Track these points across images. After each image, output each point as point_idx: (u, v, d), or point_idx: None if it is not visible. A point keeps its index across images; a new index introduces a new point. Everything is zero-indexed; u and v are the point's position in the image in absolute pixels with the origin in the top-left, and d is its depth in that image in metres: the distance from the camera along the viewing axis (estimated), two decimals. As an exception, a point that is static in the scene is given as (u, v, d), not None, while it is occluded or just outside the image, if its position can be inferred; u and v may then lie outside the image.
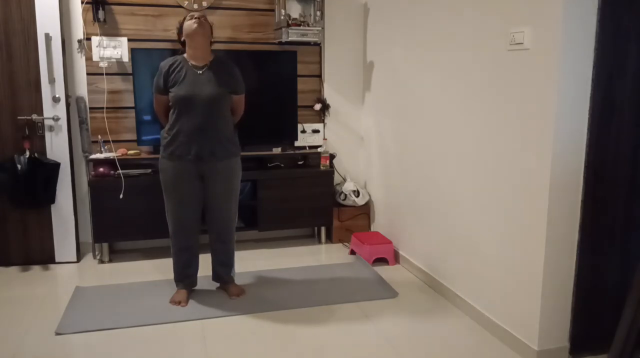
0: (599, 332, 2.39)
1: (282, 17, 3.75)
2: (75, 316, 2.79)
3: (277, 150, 3.97)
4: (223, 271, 3.08)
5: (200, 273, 3.09)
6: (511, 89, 2.43)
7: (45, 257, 3.59)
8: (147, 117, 3.64)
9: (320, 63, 4.12)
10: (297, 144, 4.07)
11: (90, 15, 3.61)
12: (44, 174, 3.43)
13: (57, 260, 3.60)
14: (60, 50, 3.44)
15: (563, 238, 2.31)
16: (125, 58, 3.70)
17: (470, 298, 2.83)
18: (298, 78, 3.97)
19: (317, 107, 4.09)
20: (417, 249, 3.41)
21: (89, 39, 3.64)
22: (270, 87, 3.88)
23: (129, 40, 3.69)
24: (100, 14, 3.57)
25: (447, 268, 3.06)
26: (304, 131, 4.10)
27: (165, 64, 2.83)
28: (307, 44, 3.93)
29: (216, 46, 3.65)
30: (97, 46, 3.64)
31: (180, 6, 3.71)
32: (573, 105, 2.20)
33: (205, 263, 3.18)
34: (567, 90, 2.18)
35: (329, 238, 4.12)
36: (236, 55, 3.73)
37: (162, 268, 3.49)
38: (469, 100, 2.76)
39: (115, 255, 3.77)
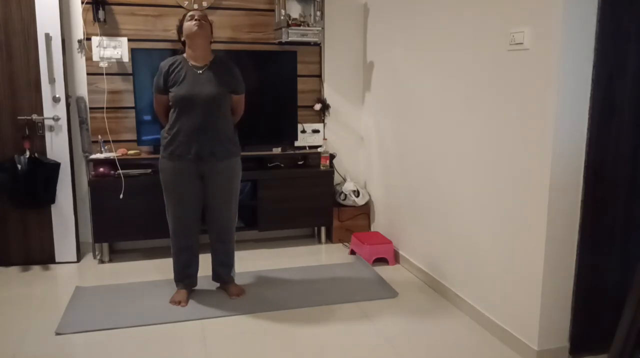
0: (599, 332, 2.39)
1: (282, 17, 3.75)
2: (75, 316, 2.79)
3: (277, 150, 3.97)
4: (223, 271, 3.08)
5: (200, 273, 3.09)
6: (511, 89, 2.43)
7: (45, 257, 3.59)
8: (147, 117, 3.64)
9: (320, 63, 4.12)
10: (297, 144, 4.07)
11: (90, 15, 3.61)
12: (44, 173, 3.43)
13: (57, 260, 3.60)
14: (61, 50, 3.44)
15: (563, 238, 2.31)
16: (125, 58, 3.70)
17: (470, 298, 2.83)
18: (298, 78, 3.97)
19: (317, 107, 4.09)
20: (417, 249, 3.41)
21: (89, 39, 3.64)
22: (270, 87, 3.88)
23: (129, 40, 3.69)
24: (100, 14, 3.58)
25: (447, 268, 3.06)
26: (304, 131, 4.10)
27: (165, 64, 2.83)
28: (307, 44, 3.93)
29: (216, 46, 3.65)
30: (97, 46, 3.64)
31: (180, 6, 3.71)
32: (573, 105, 2.20)
33: (205, 263, 3.18)
34: (567, 90, 2.18)
35: (329, 238, 4.12)
36: (236, 55, 3.73)
37: (162, 268, 3.49)
38: (469, 100, 2.76)
39: (115, 255, 3.77)
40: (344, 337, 2.61)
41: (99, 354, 2.44)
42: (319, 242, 4.11)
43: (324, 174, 3.97)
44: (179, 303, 2.93)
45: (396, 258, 3.67)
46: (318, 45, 4.04)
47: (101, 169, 3.55)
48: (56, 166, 3.47)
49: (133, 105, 3.70)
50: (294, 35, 3.73)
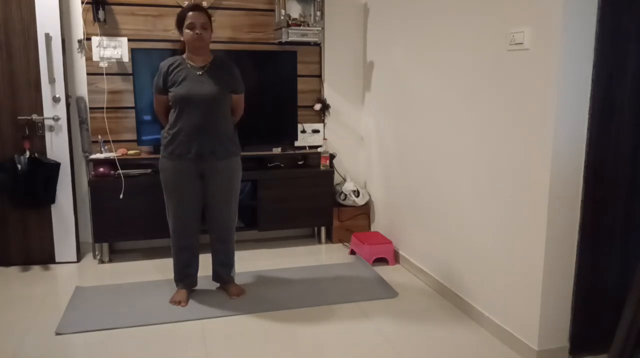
0: (599, 332, 2.39)
1: (282, 17, 3.75)
2: (75, 316, 2.79)
3: (277, 150, 3.97)
4: (223, 271, 3.08)
5: (200, 273, 3.09)
6: (511, 89, 2.43)
7: (45, 257, 3.59)
8: (147, 117, 3.64)
9: (320, 63, 4.12)
10: (297, 144, 4.07)
11: (90, 15, 3.61)
12: (44, 173, 3.43)
13: (57, 260, 3.60)
14: (60, 50, 3.44)
15: (563, 238, 2.31)
16: (125, 58, 3.70)
17: (470, 298, 2.83)
18: (298, 78, 3.97)
19: (317, 107, 4.09)
20: (417, 249, 3.41)
21: (89, 39, 3.64)
22: (270, 87, 3.88)
23: (129, 40, 3.69)
24: (100, 14, 3.58)
25: (447, 268, 3.06)
26: (304, 131, 4.10)
27: (164, 64, 2.83)
28: (307, 44, 3.93)
29: (216, 46, 3.65)
30: (97, 46, 3.64)
31: (180, 6, 3.71)
32: (573, 105, 2.20)
33: (205, 263, 3.18)
34: (567, 90, 2.18)
35: (329, 238, 4.12)
36: (236, 55, 3.73)
37: (162, 268, 3.49)
38: (469, 100, 2.76)
39: (115, 255, 3.77)
40: (344, 337, 2.61)
41: (99, 354, 2.44)
42: (319, 242, 4.11)
43: (324, 174, 3.97)
44: (179, 303, 2.93)
45: (396, 258, 3.67)
46: (318, 45, 4.04)
47: (101, 169, 3.55)
48: (56, 166, 3.47)
49: (133, 105, 3.70)
50: (294, 35, 3.73)
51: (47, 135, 3.48)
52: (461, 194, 2.88)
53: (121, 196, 3.50)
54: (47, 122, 3.47)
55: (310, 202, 3.93)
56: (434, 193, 3.16)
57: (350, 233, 3.96)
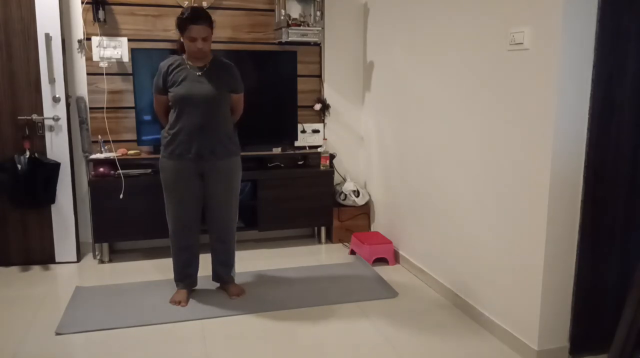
0: (599, 332, 2.39)
1: (282, 17, 3.75)
2: (75, 316, 2.79)
3: (277, 150, 3.97)
4: (223, 271, 3.08)
5: (200, 273, 3.09)
6: (511, 89, 2.43)
7: (45, 257, 3.59)
8: (147, 117, 3.64)
9: (320, 63, 4.12)
10: (297, 144, 4.07)
11: (90, 15, 3.61)
12: (44, 174, 3.43)
13: (57, 260, 3.60)
14: (60, 50, 3.44)
15: (563, 238, 2.31)
16: (125, 58, 3.70)
17: (470, 298, 2.83)
18: (298, 78, 3.97)
19: (317, 107, 4.09)
20: (417, 249, 3.41)
21: (89, 39, 3.64)
22: (270, 87, 3.88)
23: (129, 40, 3.69)
24: (100, 14, 3.58)
25: (446, 268, 3.06)
26: (304, 131, 4.10)
27: (164, 64, 2.83)
28: (307, 44, 3.93)
29: (216, 46, 3.65)
30: (97, 46, 3.64)
31: (180, 6, 3.71)
32: (573, 105, 2.20)
33: (205, 263, 3.18)
34: (567, 90, 2.18)
35: (329, 238, 4.12)
36: (236, 55, 3.73)
37: (162, 268, 3.49)
38: (469, 100, 2.76)
39: (115, 255, 3.77)
40: (344, 337, 2.61)
41: (99, 354, 2.44)
42: (319, 242, 4.11)
43: (324, 174, 3.97)
44: (179, 303, 2.93)
45: (396, 258, 3.67)
46: (318, 45, 4.04)
47: (101, 169, 3.55)
48: (56, 166, 3.47)
49: (133, 105, 3.70)
50: (294, 35, 3.73)
51: (47, 135, 3.48)
52: (461, 194, 2.88)
53: (121, 196, 3.50)
54: (47, 122, 3.47)
55: (310, 202, 3.93)
56: (434, 193, 3.16)
57: (350, 233, 3.96)
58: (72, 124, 3.65)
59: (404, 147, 3.52)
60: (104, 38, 3.65)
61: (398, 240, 3.67)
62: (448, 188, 3.00)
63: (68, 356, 2.44)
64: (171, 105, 2.82)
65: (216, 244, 3.02)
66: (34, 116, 3.44)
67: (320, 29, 3.81)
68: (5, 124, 3.43)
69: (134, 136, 3.74)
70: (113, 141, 3.74)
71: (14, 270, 3.50)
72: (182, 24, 2.74)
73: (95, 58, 3.66)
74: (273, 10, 3.92)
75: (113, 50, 3.67)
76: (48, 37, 3.38)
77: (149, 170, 3.63)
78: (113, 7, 3.65)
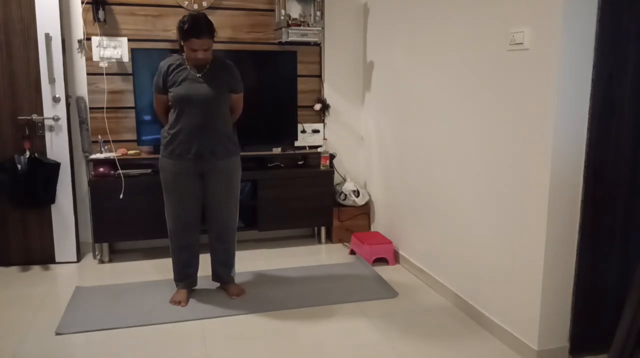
0: (599, 332, 2.39)
1: (282, 17, 3.75)
2: (75, 316, 2.79)
3: (277, 150, 3.97)
4: (223, 271, 3.08)
5: (200, 273, 3.09)
6: (511, 89, 2.43)
7: (45, 257, 3.59)
8: (147, 117, 3.64)
9: (320, 63, 4.12)
10: (297, 144, 4.07)
11: (90, 15, 3.61)
12: (44, 174, 3.43)
13: (57, 260, 3.60)
14: (61, 50, 3.44)
15: (563, 238, 2.31)
16: (126, 58, 3.70)
17: (470, 298, 2.83)
18: (298, 78, 3.97)
19: (317, 107, 4.09)
20: (417, 249, 3.41)
21: (89, 39, 3.64)
22: (270, 87, 3.88)
23: (129, 40, 3.69)
24: (100, 14, 3.57)
25: (446, 268, 3.06)
26: (304, 131, 4.10)
27: (164, 64, 2.83)
28: (307, 44, 3.93)
29: (216, 46, 3.63)
30: (97, 46, 3.64)
31: (180, 6, 3.71)
32: (573, 105, 2.20)
33: (205, 263, 3.18)
34: (567, 90, 2.18)
35: (329, 238, 4.12)
36: (236, 55, 3.73)
37: (162, 268, 3.49)
38: (469, 101, 2.76)
39: (115, 255, 3.77)
40: (344, 337, 2.61)
41: (99, 354, 2.44)
42: (319, 242, 4.11)
43: (324, 173, 3.97)
44: (179, 303, 2.93)
45: (396, 258, 3.67)
46: (318, 45, 4.04)
47: (101, 169, 3.55)
48: (56, 166, 3.47)
49: (133, 105, 3.70)
50: (294, 35, 3.73)
51: (47, 135, 3.48)
52: (461, 194, 2.88)
53: (121, 196, 3.50)
54: (47, 122, 3.47)
55: (310, 202, 3.93)
56: (434, 193, 3.16)
57: (350, 233, 3.96)
58: (72, 124, 3.65)
59: (404, 147, 3.52)
60: (104, 38, 3.65)
61: (398, 240, 3.67)
62: (448, 188, 3.00)
63: (68, 356, 2.44)
64: (171, 105, 2.82)
65: (216, 244, 3.02)
66: (34, 116, 3.44)
67: (320, 29, 3.81)
68: (5, 124, 3.43)
69: (134, 136, 3.74)
70: (113, 141, 3.74)
71: (14, 270, 3.50)
72: (184, 35, 2.68)
73: (95, 58, 3.66)
74: (273, 10, 3.92)
75: (113, 50, 3.67)
76: (48, 37, 3.38)
77: (149, 170, 3.63)
78: (113, 7, 3.65)
